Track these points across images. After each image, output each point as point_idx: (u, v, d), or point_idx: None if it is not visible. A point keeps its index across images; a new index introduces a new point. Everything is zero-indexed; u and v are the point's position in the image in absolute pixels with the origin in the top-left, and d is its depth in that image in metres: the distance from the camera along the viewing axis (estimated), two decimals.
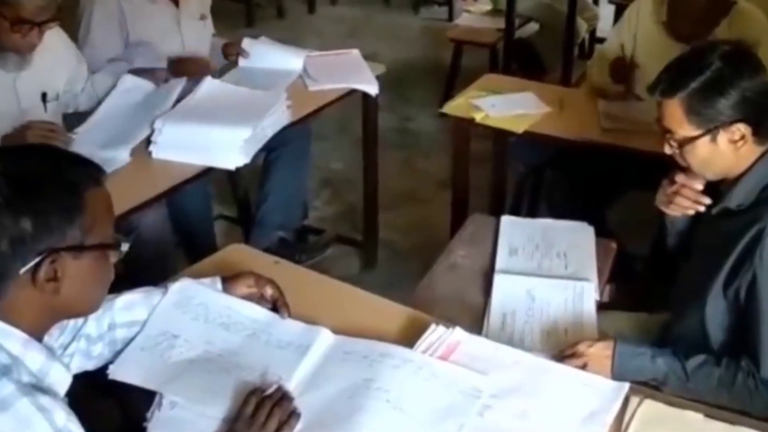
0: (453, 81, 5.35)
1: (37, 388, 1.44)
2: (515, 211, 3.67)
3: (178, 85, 3.15)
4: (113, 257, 1.59)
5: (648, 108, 3.00)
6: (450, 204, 3.66)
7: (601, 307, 2.41)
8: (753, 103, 2.01)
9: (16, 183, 1.45)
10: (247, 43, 3.61)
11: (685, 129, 2.07)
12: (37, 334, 1.53)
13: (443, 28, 6.47)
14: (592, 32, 5.88)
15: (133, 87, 3.16)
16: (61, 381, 1.54)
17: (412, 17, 7.35)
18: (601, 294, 2.45)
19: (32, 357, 1.48)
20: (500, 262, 2.54)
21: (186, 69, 3.37)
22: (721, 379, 2.05)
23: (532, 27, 5.60)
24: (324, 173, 4.75)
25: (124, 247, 1.60)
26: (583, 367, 2.03)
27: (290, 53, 3.64)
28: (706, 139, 2.06)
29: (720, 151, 2.06)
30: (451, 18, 6.90)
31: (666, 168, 2.39)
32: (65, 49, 3.11)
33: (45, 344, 1.55)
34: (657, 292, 2.52)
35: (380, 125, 3.89)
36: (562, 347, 2.13)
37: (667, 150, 2.15)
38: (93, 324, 1.88)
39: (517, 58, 5.26)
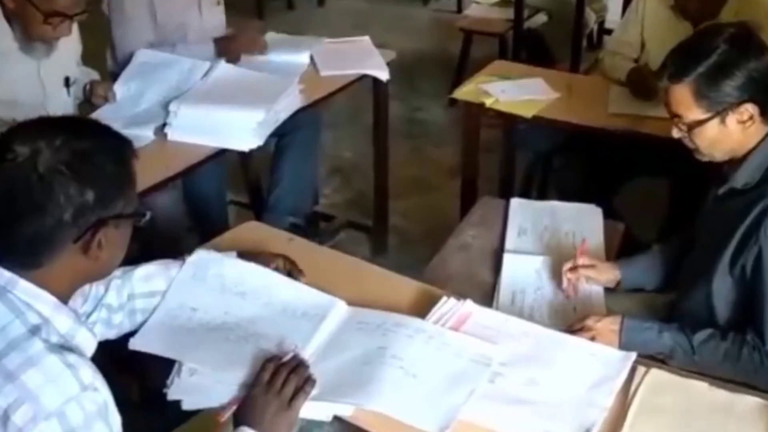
0: (462, 71, 5.37)
1: (66, 347, 1.49)
2: (524, 197, 3.69)
3: (203, 66, 3.20)
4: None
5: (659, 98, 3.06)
6: (459, 192, 3.69)
7: (608, 287, 2.46)
8: (759, 83, 2.05)
9: (80, 155, 1.51)
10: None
11: (694, 113, 2.10)
12: (65, 297, 1.58)
13: (452, 19, 6.49)
14: (601, 23, 5.90)
15: (150, 61, 3.23)
16: (88, 344, 1.60)
17: (421, 9, 7.38)
18: None
19: (61, 320, 1.54)
20: (510, 242, 2.58)
21: (239, 46, 3.47)
22: (727, 353, 2.08)
23: (541, 18, 5.63)
24: (334, 161, 4.79)
25: (148, 216, 1.67)
26: (591, 340, 2.07)
27: (297, 48, 3.65)
28: (715, 121, 2.09)
29: (729, 131, 2.10)
30: (460, 9, 6.93)
31: (674, 154, 2.45)
32: (75, 33, 3.12)
33: (70, 308, 1.61)
34: None
35: (390, 115, 3.93)
36: (571, 322, 2.17)
37: (675, 134, 2.18)
38: (113, 294, 1.94)
39: (527, 49, 5.29)
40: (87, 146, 1.53)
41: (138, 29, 3.39)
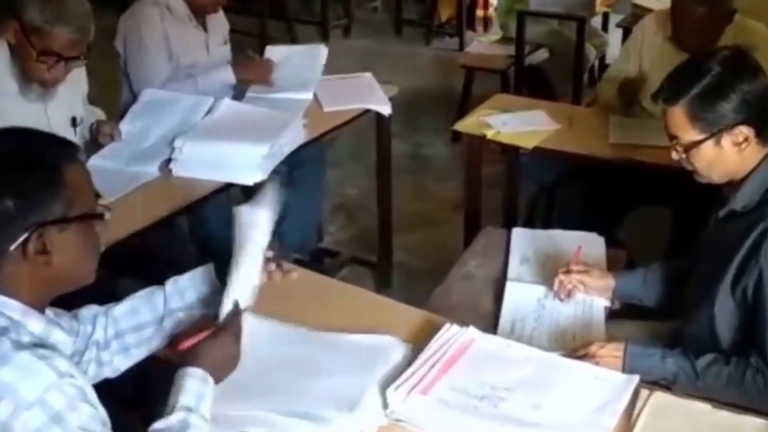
0: (464, 107, 5.39)
1: (38, 345, 1.51)
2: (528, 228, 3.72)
3: (206, 103, 3.25)
4: (98, 227, 1.66)
5: (658, 127, 3.09)
6: (463, 227, 3.70)
7: (612, 314, 2.47)
8: (754, 106, 2.08)
9: None
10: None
11: (689, 134, 2.13)
12: (38, 305, 1.60)
13: (454, 57, 6.55)
14: (602, 58, 5.94)
15: (155, 99, 3.27)
16: (64, 342, 1.62)
17: (423, 48, 7.44)
18: (612, 302, 2.50)
19: (33, 323, 1.57)
20: (512, 271, 2.59)
21: (249, 74, 3.57)
22: (731, 377, 2.08)
23: (542, 54, 5.68)
24: (338, 199, 4.81)
25: (107, 216, 1.67)
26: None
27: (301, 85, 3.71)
28: (711, 142, 2.12)
29: (725, 153, 2.12)
30: (461, 48, 6.98)
31: (675, 182, 2.47)
32: (81, 71, 3.11)
33: (47, 316, 1.63)
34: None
35: (393, 151, 3.97)
36: (571, 349, 2.17)
37: (674, 156, 2.21)
38: (100, 331, 1.92)
39: (528, 84, 5.33)
40: (5, 154, 1.55)
41: (156, 66, 3.46)
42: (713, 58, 2.12)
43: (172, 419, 1.63)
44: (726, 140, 2.10)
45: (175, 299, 2.00)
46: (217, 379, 1.74)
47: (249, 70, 3.63)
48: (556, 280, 2.42)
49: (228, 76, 3.56)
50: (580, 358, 2.11)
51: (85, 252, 1.64)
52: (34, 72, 2.77)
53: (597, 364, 2.08)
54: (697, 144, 2.12)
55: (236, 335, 1.81)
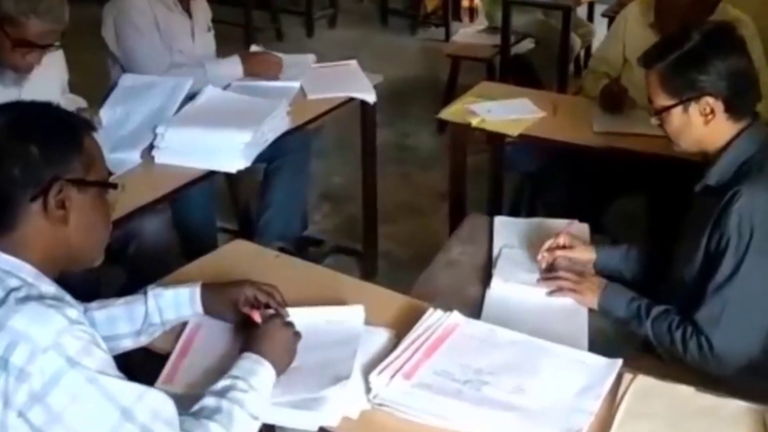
0: (451, 96, 5.37)
1: (46, 297, 1.52)
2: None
3: (185, 85, 3.22)
4: (111, 198, 1.70)
5: (642, 116, 3.08)
6: (448, 216, 3.70)
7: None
8: (725, 80, 2.13)
9: (21, 117, 1.59)
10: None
11: (661, 99, 2.22)
12: (47, 271, 1.60)
13: (440, 48, 6.55)
14: (587, 48, 5.93)
15: (135, 84, 3.26)
16: (75, 305, 1.61)
17: (409, 38, 7.43)
18: None
19: (45, 287, 1.57)
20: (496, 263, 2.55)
21: (259, 67, 3.56)
22: (670, 329, 2.19)
23: (528, 44, 5.67)
24: (323, 188, 4.80)
25: (120, 188, 1.72)
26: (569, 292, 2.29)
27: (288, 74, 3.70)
28: (679, 109, 2.20)
29: (692, 123, 2.19)
30: (447, 39, 6.97)
31: (659, 169, 2.46)
32: (60, 59, 3.11)
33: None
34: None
35: (379, 141, 3.96)
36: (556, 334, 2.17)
37: (653, 121, 2.29)
38: None
39: (514, 74, 5.32)
40: (28, 110, 1.62)
41: (156, 52, 3.45)
42: (697, 29, 2.19)
43: (217, 385, 1.69)
44: (694, 109, 2.17)
45: (155, 316, 1.99)
46: (277, 369, 1.79)
47: (259, 64, 3.61)
48: (539, 257, 2.44)
49: (237, 68, 3.54)
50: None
51: (98, 221, 1.68)
52: (9, 59, 2.76)
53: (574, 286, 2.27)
54: (666, 109, 2.21)
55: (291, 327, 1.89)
